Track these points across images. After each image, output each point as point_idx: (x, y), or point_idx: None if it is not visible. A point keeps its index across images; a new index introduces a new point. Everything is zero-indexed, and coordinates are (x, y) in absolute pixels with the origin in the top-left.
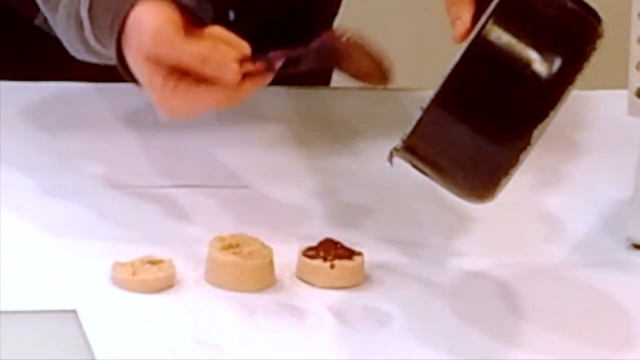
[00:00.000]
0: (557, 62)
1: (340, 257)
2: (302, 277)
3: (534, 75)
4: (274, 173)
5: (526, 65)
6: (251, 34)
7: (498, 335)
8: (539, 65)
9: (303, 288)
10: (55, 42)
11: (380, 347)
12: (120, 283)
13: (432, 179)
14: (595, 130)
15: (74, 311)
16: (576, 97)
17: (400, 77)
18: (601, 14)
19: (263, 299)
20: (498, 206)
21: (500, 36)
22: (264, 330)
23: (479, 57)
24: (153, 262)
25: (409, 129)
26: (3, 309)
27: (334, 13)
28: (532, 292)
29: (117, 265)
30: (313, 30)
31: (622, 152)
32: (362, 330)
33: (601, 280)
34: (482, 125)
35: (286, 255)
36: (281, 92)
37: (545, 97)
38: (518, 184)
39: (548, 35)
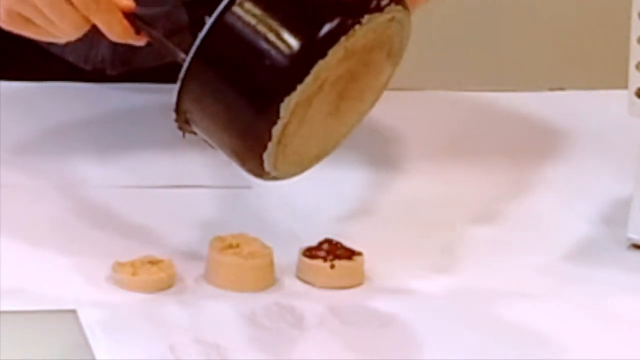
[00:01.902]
0: (309, 34)
1: (340, 257)
2: (302, 277)
3: (283, 44)
4: None
5: (277, 35)
6: None
7: (498, 335)
8: (291, 35)
9: (303, 288)
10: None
11: (380, 347)
12: (120, 283)
13: (219, 150)
14: (595, 130)
15: (74, 311)
16: (576, 97)
17: (398, 77)
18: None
19: (263, 299)
20: (498, 206)
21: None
22: (264, 330)
23: (225, 30)
24: (153, 262)
25: (174, 92)
26: (3, 309)
27: None
28: (531, 292)
29: (117, 265)
30: None
31: (622, 152)
32: (362, 330)
33: (601, 280)
34: (232, 98)
35: (286, 255)
36: None
37: (292, 69)
38: (518, 184)
39: (310, 2)
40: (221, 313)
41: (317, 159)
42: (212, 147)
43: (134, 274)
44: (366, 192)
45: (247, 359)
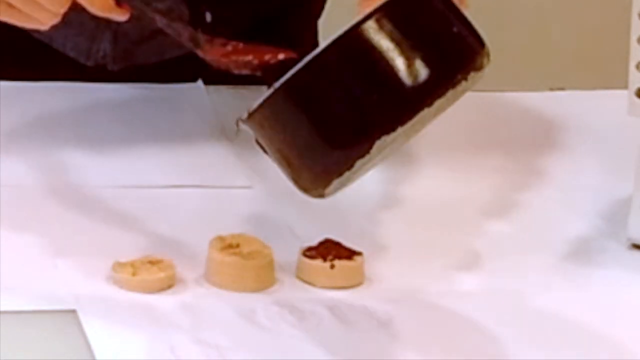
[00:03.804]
0: (420, 79)
1: (340, 257)
2: (302, 277)
3: (393, 86)
4: (274, 173)
5: (389, 74)
6: (229, 36)
7: (498, 335)
8: (402, 78)
9: (303, 288)
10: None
11: (380, 347)
12: (120, 283)
13: (272, 159)
14: (595, 130)
15: (74, 311)
16: (576, 97)
17: None
18: (488, 43)
19: (263, 299)
20: (497, 206)
21: (373, 36)
22: (264, 330)
23: (346, 51)
24: (153, 262)
25: (257, 101)
26: (3, 309)
27: (316, 16)
28: (530, 292)
29: (117, 265)
30: (292, 32)
31: (622, 152)
32: (362, 330)
33: (601, 280)
34: (326, 121)
35: (286, 255)
36: None
37: (398, 110)
38: (518, 184)
39: (421, 50)
40: (221, 313)
41: (355, 181)
42: (265, 152)
43: (134, 274)
44: (366, 192)
45: (247, 359)
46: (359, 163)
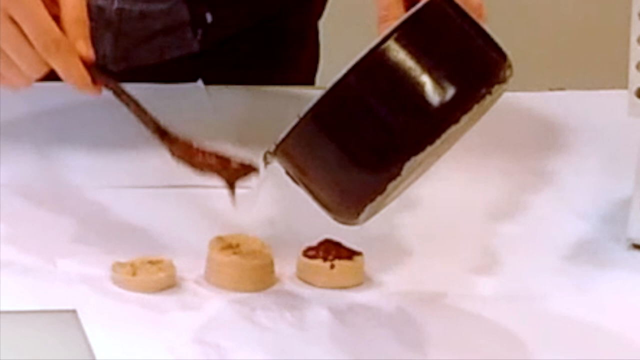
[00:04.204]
0: (445, 96)
1: (340, 257)
2: (302, 277)
3: (419, 105)
4: (274, 173)
5: (413, 93)
6: (229, 37)
7: (499, 335)
8: (427, 96)
9: (303, 288)
10: None
11: (380, 347)
12: (120, 283)
13: (302, 189)
14: (595, 130)
15: (74, 311)
16: (576, 97)
17: None
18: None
19: (263, 299)
20: (496, 206)
21: (394, 56)
22: (264, 330)
23: (368, 74)
24: (153, 262)
25: (283, 133)
26: (3, 309)
27: (317, 16)
28: (530, 291)
29: (117, 265)
30: (292, 33)
31: (622, 152)
32: (362, 330)
33: (601, 280)
34: (354, 146)
35: (286, 255)
36: (280, 93)
37: (426, 129)
38: (517, 184)
39: (445, 68)
40: (221, 313)
41: (386, 206)
42: (296, 182)
43: (134, 274)
44: None
45: (247, 359)
46: (390, 186)
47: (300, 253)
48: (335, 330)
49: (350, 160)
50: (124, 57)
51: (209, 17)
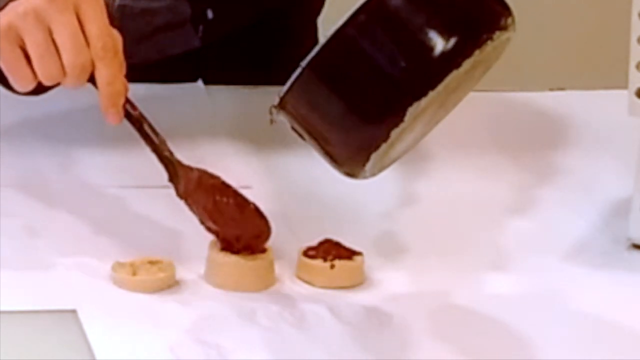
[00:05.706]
0: (446, 41)
1: (340, 257)
2: (302, 277)
3: (420, 51)
4: (274, 173)
5: (413, 36)
6: (229, 33)
7: (496, 335)
8: (428, 42)
9: (303, 288)
10: None
11: (380, 347)
12: (120, 283)
13: (308, 143)
14: (595, 130)
15: (74, 311)
16: (576, 97)
17: None
18: (513, 7)
19: (263, 299)
20: (496, 206)
21: (395, 5)
22: (264, 330)
23: (366, 23)
24: (153, 262)
25: (285, 85)
26: (3, 309)
27: (316, 12)
28: (530, 291)
29: (117, 265)
30: (292, 30)
31: (622, 152)
32: (362, 330)
33: (601, 280)
34: (356, 94)
35: (286, 255)
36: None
37: (427, 74)
38: (517, 184)
39: (445, 12)
40: (221, 313)
41: (394, 160)
42: (302, 137)
43: (134, 274)
44: (365, 192)
45: (247, 359)
46: (394, 134)
47: (300, 253)
48: (335, 330)
49: (353, 109)
50: (126, 54)
51: (210, 14)
